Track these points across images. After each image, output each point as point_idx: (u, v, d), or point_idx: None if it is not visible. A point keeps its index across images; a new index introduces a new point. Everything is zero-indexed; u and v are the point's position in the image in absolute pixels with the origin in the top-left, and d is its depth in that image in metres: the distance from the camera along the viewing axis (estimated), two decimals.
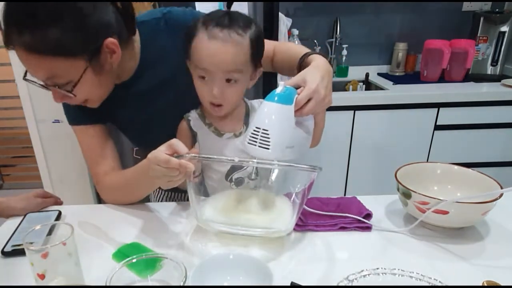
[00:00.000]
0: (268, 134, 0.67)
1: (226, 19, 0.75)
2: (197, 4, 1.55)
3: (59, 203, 0.98)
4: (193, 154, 0.68)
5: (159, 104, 0.92)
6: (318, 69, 0.75)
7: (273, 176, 0.82)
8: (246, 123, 0.89)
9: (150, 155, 0.70)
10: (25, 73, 0.78)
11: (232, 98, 0.81)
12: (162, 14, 0.89)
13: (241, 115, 0.90)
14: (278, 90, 0.69)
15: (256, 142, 0.68)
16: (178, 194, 1.07)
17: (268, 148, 0.67)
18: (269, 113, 0.68)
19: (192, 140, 0.88)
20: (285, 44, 0.99)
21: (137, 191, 0.90)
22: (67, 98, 0.79)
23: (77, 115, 0.92)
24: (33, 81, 0.77)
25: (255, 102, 0.93)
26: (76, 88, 0.76)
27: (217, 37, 0.74)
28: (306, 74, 0.73)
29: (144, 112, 0.93)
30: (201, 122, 0.88)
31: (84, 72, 0.75)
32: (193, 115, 0.90)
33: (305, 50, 0.88)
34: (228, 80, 0.78)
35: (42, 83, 0.77)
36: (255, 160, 0.68)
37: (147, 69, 0.89)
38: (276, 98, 0.68)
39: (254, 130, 0.68)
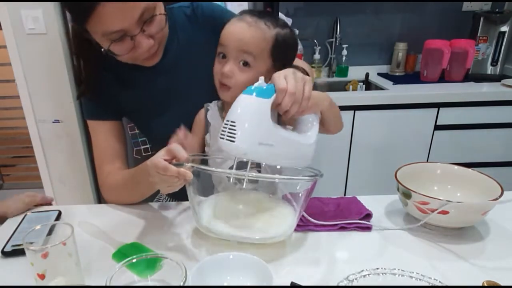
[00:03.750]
0: (234, 126, 0.63)
1: (261, 12, 0.81)
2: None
3: (49, 200, 0.97)
4: (191, 164, 0.67)
5: (176, 89, 0.94)
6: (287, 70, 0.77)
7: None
8: None
9: (149, 162, 0.70)
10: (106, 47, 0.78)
11: (241, 83, 0.80)
12: (190, 4, 0.94)
13: None
14: (256, 83, 0.67)
15: (224, 135, 0.65)
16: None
17: (233, 141, 0.63)
18: (239, 105, 0.65)
19: (206, 128, 0.90)
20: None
21: (137, 192, 0.90)
22: (151, 44, 0.80)
23: (95, 109, 0.95)
24: (116, 53, 0.80)
25: None
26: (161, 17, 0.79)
27: (244, 20, 0.80)
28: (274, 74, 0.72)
29: (162, 96, 0.94)
30: (218, 113, 0.90)
31: None
32: (212, 105, 0.92)
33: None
34: (243, 63, 0.81)
35: (126, 48, 0.79)
36: (253, 174, 0.67)
37: (170, 51, 0.91)
38: (249, 91, 0.66)
39: (224, 123, 0.65)
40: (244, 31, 0.79)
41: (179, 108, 0.95)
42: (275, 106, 0.67)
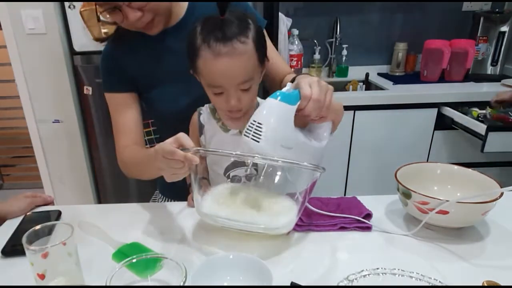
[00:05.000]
0: (261, 128, 0.68)
1: (224, 31, 0.74)
2: None
3: (49, 201, 0.97)
4: (197, 148, 0.69)
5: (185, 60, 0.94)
6: (307, 76, 0.77)
7: (276, 176, 0.82)
8: None
9: (157, 146, 0.71)
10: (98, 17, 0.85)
11: (249, 102, 0.82)
12: None
13: (250, 115, 0.89)
14: (284, 89, 0.71)
15: (249, 134, 0.69)
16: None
17: (258, 141, 0.68)
18: (266, 108, 0.69)
19: (200, 130, 0.90)
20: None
21: (148, 173, 0.90)
22: (138, 16, 0.83)
23: (113, 82, 0.97)
24: (107, 22, 0.86)
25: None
26: None
27: (222, 53, 0.73)
28: (300, 79, 0.74)
29: (173, 68, 0.95)
30: (211, 115, 0.90)
31: None
32: (205, 108, 0.91)
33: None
34: (242, 90, 0.79)
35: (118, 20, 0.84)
36: (257, 156, 0.67)
37: (187, 26, 0.91)
38: (278, 96, 0.69)
39: (251, 123, 0.69)
40: (232, 66, 0.74)
41: (188, 83, 0.93)
42: (298, 111, 0.70)
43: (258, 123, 0.68)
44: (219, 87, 0.78)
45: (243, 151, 0.71)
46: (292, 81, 0.84)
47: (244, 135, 0.70)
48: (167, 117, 0.99)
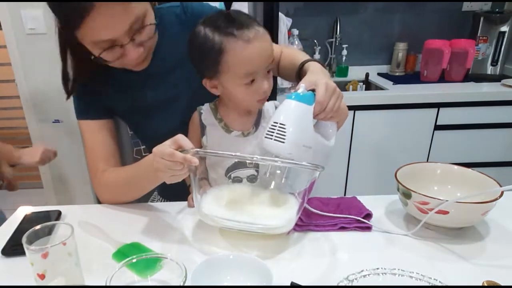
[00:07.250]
0: (284, 129, 0.69)
1: (239, 20, 0.76)
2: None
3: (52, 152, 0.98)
4: (197, 149, 0.69)
5: (167, 90, 0.93)
6: (319, 72, 0.81)
7: (276, 176, 0.82)
8: (257, 124, 0.88)
9: (155, 149, 0.71)
10: (96, 54, 0.78)
11: (271, 86, 0.82)
12: (180, 3, 0.92)
13: (253, 116, 0.89)
14: (299, 90, 0.72)
15: (272, 136, 0.70)
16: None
17: (283, 142, 0.69)
18: (288, 110, 0.71)
19: (202, 131, 0.89)
20: (290, 49, 1.00)
21: (139, 187, 0.89)
22: (141, 52, 0.80)
23: (86, 109, 0.94)
24: (105, 60, 0.79)
25: (268, 104, 0.91)
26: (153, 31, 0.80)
27: (251, 38, 0.74)
28: (315, 77, 0.77)
29: (152, 97, 0.94)
30: (212, 116, 0.88)
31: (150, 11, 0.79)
32: (205, 107, 0.90)
33: (305, 56, 0.91)
34: (267, 72, 0.80)
35: (115, 55, 0.78)
36: (257, 157, 0.67)
37: (159, 52, 0.90)
38: (296, 97, 0.71)
39: (272, 125, 0.70)
40: (262, 48, 0.76)
41: (169, 109, 0.94)
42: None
43: (281, 124, 0.69)
44: (252, 74, 0.77)
45: (261, 154, 0.73)
46: (299, 71, 0.86)
47: (266, 137, 0.71)
48: (150, 140, 0.96)
